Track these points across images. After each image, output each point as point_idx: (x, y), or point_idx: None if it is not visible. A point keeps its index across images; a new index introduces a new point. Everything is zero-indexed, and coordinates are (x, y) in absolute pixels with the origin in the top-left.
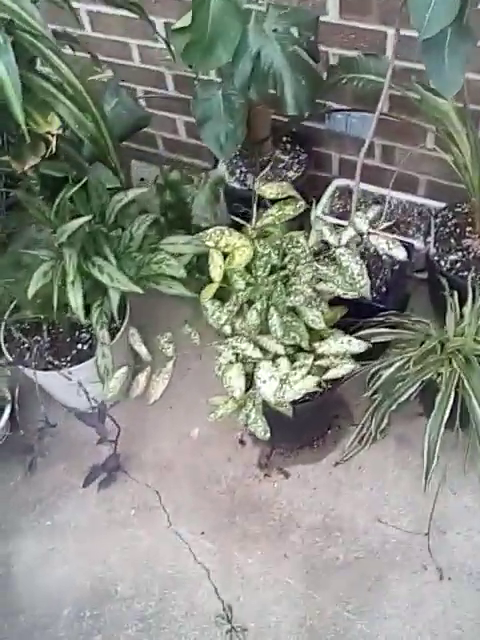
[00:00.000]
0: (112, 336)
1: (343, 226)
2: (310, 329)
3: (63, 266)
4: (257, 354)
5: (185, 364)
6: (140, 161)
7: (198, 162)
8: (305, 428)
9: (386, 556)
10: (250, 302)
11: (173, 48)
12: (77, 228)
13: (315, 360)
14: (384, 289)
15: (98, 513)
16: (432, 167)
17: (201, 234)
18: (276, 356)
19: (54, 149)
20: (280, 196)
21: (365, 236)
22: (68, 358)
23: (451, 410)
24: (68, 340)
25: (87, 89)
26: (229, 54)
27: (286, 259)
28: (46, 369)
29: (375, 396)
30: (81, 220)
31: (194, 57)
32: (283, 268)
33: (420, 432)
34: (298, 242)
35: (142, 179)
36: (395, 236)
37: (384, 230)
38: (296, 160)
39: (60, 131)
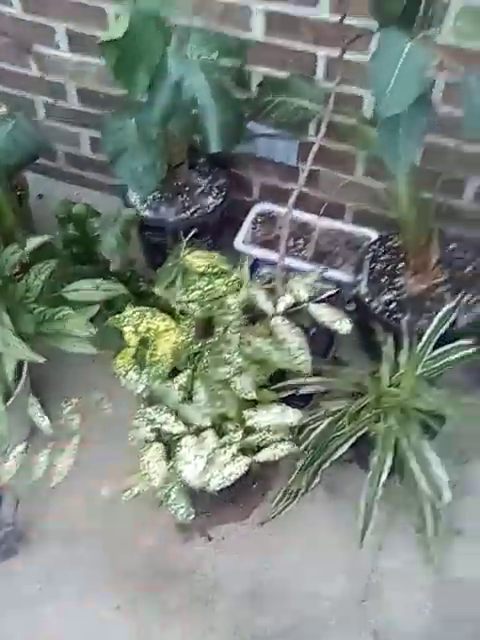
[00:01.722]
0: (6, 398)
1: (271, 261)
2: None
3: None
4: (179, 429)
5: (92, 415)
6: (38, 174)
7: (103, 179)
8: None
9: (320, 622)
10: (174, 370)
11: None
12: None
13: (245, 434)
14: (312, 332)
15: (0, 589)
16: (361, 194)
17: (117, 316)
18: (201, 429)
19: None
20: (210, 269)
21: (305, 304)
22: None
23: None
24: None
25: None
26: (150, 76)
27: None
28: None
29: (305, 452)
30: None
31: (125, 71)
32: (210, 335)
33: (350, 480)
34: (229, 307)
35: (40, 195)
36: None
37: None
38: (215, 185)
39: None
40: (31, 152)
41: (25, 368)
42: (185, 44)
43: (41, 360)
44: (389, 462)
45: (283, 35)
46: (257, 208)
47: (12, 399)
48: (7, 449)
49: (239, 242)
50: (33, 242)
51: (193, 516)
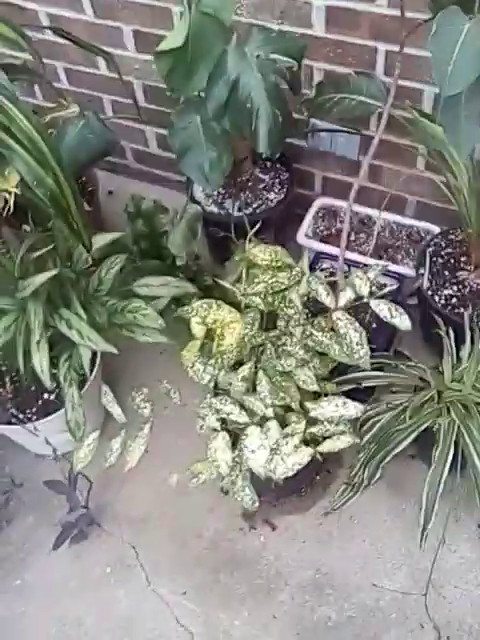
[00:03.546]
0: (80, 387)
1: (333, 255)
2: (301, 388)
3: (27, 322)
4: (244, 419)
5: (162, 403)
6: (107, 171)
7: (170, 175)
8: (292, 476)
9: (381, 614)
10: (238, 362)
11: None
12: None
13: (308, 425)
14: (374, 325)
15: (71, 572)
16: (422, 188)
17: (185, 308)
18: (265, 419)
19: (12, 208)
20: (273, 263)
21: (366, 299)
22: (33, 409)
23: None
24: (33, 389)
25: (47, 142)
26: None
27: (278, 320)
28: (10, 423)
29: (367, 445)
30: (47, 274)
31: (177, 80)
32: (274, 328)
33: (413, 476)
34: (291, 302)
35: (110, 191)
36: (384, 262)
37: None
38: (277, 180)
39: (17, 189)
40: (100, 150)
41: (98, 358)
42: (245, 42)
43: (114, 351)
44: (451, 457)
45: (343, 30)
46: (319, 202)
47: (86, 387)
48: (82, 436)
49: (301, 236)
50: (104, 238)
51: (258, 503)
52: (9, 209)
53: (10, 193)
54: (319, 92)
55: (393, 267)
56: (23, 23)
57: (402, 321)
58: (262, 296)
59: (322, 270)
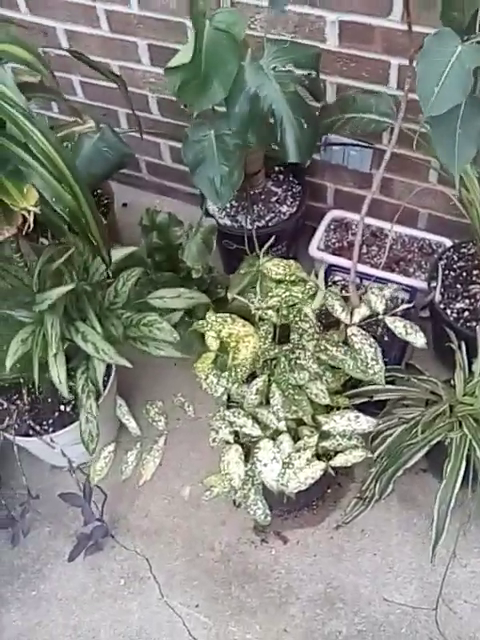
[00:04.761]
0: (96, 398)
1: (345, 268)
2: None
3: (44, 335)
4: (257, 432)
5: (175, 414)
6: (122, 183)
7: (184, 187)
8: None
9: (391, 629)
10: (251, 374)
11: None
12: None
13: (320, 439)
14: (386, 338)
15: (86, 583)
16: (434, 201)
17: (200, 322)
18: (277, 432)
19: (32, 225)
20: (287, 277)
21: (381, 316)
22: (50, 421)
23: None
24: (50, 401)
25: (64, 158)
26: (225, 90)
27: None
28: (27, 434)
29: (379, 459)
30: (64, 289)
31: (189, 94)
32: (287, 340)
33: (424, 490)
34: (305, 316)
35: (125, 203)
36: (397, 276)
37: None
38: (289, 193)
39: (37, 208)
40: (116, 163)
41: (113, 371)
42: (260, 56)
43: (129, 365)
44: (462, 472)
45: (357, 45)
46: (331, 215)
47: (101, 400)
48: (96, 448)
49: (313, 248)
50: (120, 252)
51: (270, 517)
52: (29, 226)
53: (29, 211)
54: (326, 113)
55: (405, 280)
56: (43, 45)
57: (417, 338)
58: (276, 310)
59: (334, 282)
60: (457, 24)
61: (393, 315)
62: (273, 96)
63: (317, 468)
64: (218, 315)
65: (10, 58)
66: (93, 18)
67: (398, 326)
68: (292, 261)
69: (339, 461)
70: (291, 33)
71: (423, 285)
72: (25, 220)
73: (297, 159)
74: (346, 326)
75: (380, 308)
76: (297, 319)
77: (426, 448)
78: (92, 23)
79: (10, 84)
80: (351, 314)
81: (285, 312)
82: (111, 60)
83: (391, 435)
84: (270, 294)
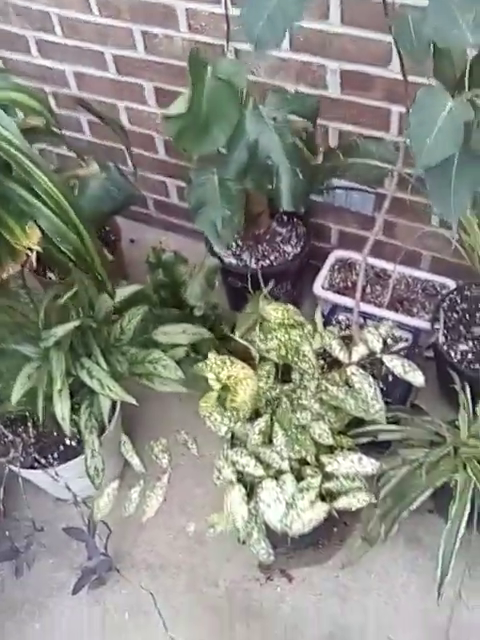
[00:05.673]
0: (100, 434)
1: (349, 307)
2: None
3: (49, 371)
4: (259, 472)
5: (179, 449)
6: (130, 220)
7: (190, 225)
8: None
9: None
10: (255, 411)
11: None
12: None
13: (323, 480)
14: (390, 378)
15: (90, 617)
16: (437, 243)
17: (201, 365)
18: (280, 472)
19: (35, 263)
20: (285, 321)
21: (379, 355)
22: (55, 454)
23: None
24: (55, 434)
25: (69, 200)
26: (226, 136)
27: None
28: (32, 467)
29: (384, 500)
30: (70, 325)
31: (187, 141)
32: (288, 381)
33: (429, 530)
34: (305, 356)
35: (132, 240)
36: (400, 316)
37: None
38: (294, 233)
39: (40, 247)
40: (122, 202)
41: (118, 407)
42: (261, 104)
43: (135, 403)
44: (467, 513)
45: (358, 92)
46: (335, 255)
47: (106, 434)
48: (102, 482)
49: (318, 287)
50: (126, 291)
51: (273, 557)
52: (31, 265)
53: (32, 250)
54: (327, 160)
55: (408, 320)
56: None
57: (415, 377)
58: (276, 352)
59: (338, 322)
60: (449, 78)
61: (391, 353)
62: (271, 146)
63: (321, 510)
64: (218, 357)
65: (16, 105)
66: (101, 62)
67: (396, 365)
68: (290, 306)
69: (343, 503)
70: (294, 81)
71: (426, 325)
72: (27, 258)
73: (291, 207)
74: (345, 365)
75: (377, 346)
76: (297, 359)
77: (430, 490)
78: (100, 66)
79: (13, 129)
80: (350, 353)
81: (283, 353)
82: (118, 101)
83: (396, 476)
84: (269, 336)
